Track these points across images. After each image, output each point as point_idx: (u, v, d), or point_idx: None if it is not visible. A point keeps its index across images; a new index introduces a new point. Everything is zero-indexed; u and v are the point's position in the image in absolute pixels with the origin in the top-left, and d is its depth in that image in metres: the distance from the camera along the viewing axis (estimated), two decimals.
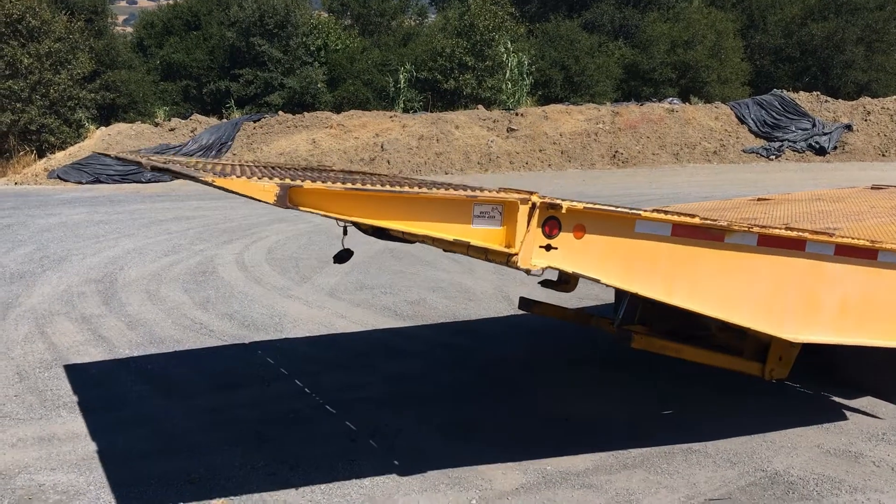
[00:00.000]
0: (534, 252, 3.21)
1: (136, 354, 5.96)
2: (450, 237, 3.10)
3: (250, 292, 8.00)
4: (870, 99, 27.28)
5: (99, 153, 5.45)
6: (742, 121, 26.25)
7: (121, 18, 43.33)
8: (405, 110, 27.78)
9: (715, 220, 3.66)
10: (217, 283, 8.41)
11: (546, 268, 3.29)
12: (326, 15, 35.68)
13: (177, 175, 3.08)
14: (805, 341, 4.00)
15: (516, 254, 3.15)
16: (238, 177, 2.77)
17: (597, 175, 21.82)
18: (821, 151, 25.05)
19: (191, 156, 22.28)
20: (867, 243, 4.06)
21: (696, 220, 3.57)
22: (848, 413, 4.60)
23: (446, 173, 22.44)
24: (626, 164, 23.86)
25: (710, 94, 30.95)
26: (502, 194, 3.18)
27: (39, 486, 3.82)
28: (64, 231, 12.29)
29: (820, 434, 4.30)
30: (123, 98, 28.00)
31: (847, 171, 20.49)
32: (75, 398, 5.03)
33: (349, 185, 2.89)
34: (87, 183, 20.51)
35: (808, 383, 5.01)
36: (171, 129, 23.97)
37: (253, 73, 29.76)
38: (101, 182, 20.63)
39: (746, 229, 3.69)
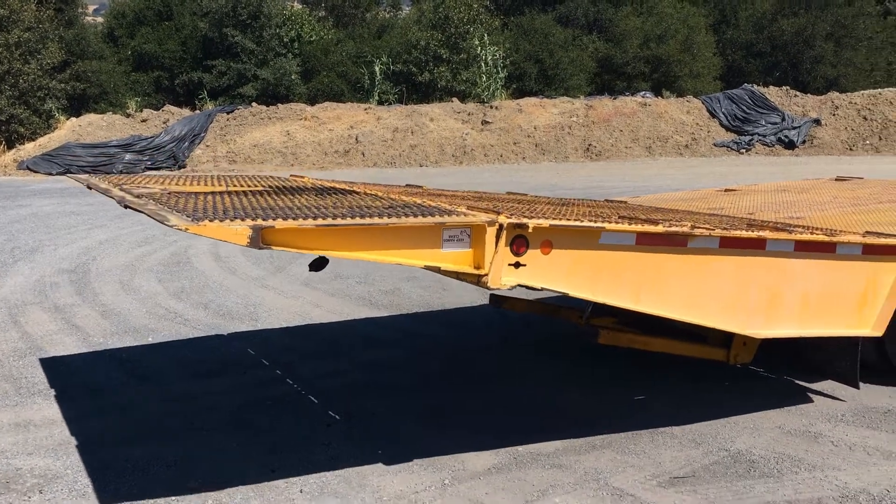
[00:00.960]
0: (503, 271, 3.28)
1: (110, 343, 5.97)
2: (421, 263, 3.17)
3: (225, 282, 8.02)
4: (838, 94, 27.74)
5: (73, 176, 5.27)
6: (713, 115, 26.58)
7: (91, 8, 42.75)
8: (380, 103, 27.77)
9: (677, 228, 3.73)
10: (191, 274, 8.42)
11: (516, 285, 3.35)
12: (300, 6, 35.50)
13: (150, 216, 3.06)
14: (769, 336, 4.14)
15: (486, 274, 3.22)
16: (211, 220, 2.80)
17: (570, 168, 22.00)
18: (790, 145, 25.45)
19: (163, 147, 22.12)
20: (825, 238, 4.18)
21: (660, 228, 3.67)
22: (809, 396, 4.75)
23: (421, 165, 22.50)
24: (600, 157, 24.07)
25: (682, 89, 31.28)
26: (470, 217, 3.23)
27: (17, 469, 3.85)
28: (35, 222, 12.19)
29: (782, 416, 4.44)
30: (94, 88, 27.67)
31: (815, 165, 20.85)
32: (50, 386, 5.04)
33: (320, 222, 2.92)
34: (57, 174, 20.29)
35: (771, 368, 5.16)
36: (143, 121, 23.78)
37: (226, 65, 29.55)
38: (71, 173, 20.41)
39: (708, 233, 3.79)
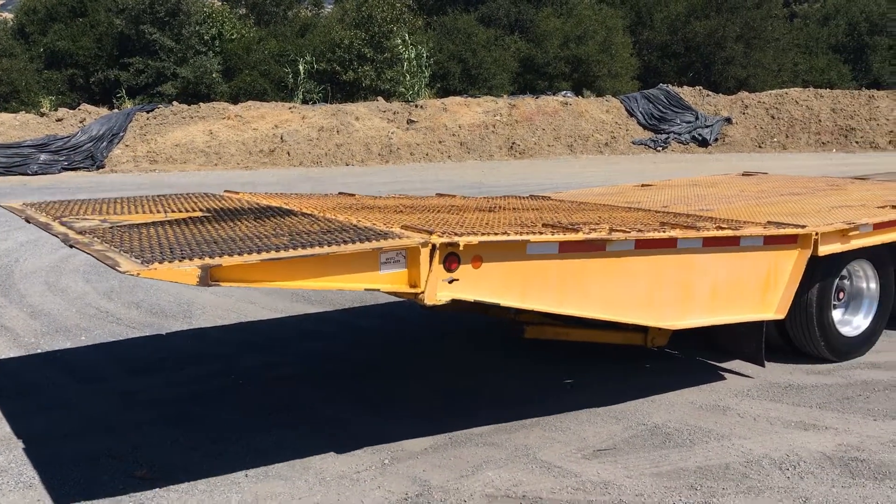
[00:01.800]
0: (438, 287, 3.50)
1: (42, 343, 5.95)
2: (361, 286, 3.36)
3: (156, 282, 7.99)
4: (747, 93, 29.02)
5: (6, 206, 4.96)
6: (631, 114, 27.46)
7: None
8: (304, 102, 27.67)
9: (596, 234, 4.00)
10: (120, 275, 8.35)
11: (451, 300, 3.56)
12: (220, 3, 34.97)
13: (98, 259, 3.12)
14: (683, 328, 4.49)
15: (422, 292, 3.45)
16: (160, 262, 2.93)
17: (495, 166, 22.41)
18: (703, 143, 26.51)
19: (80, 147, 21.54)
20: (730, 233, 4.53)
21: (580, 236, 3.94)
22: (719, 374, 5.14)
23: (347, 165, 22.56)
24: (523, 156, 24.58)
25: (601, 88, 32.13)
26: (405, 239, 3.43)
27: None
28: None
29: (694, 393, 4.81)
30: (4, 87, 26.76)
31: (727, 162, 21.80)
32: None
33: (264, 256, 3.07)
34: None
35: (684, 350, 5.53)
36: (59, 120, 23.09)
37: (144, 62, 28.96)
38: None
39: (624, 237, 4.09)
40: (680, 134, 26.63)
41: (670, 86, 28.98)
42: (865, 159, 22.37)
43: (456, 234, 3.58)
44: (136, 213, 4.45)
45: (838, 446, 4.05)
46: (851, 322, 5.44)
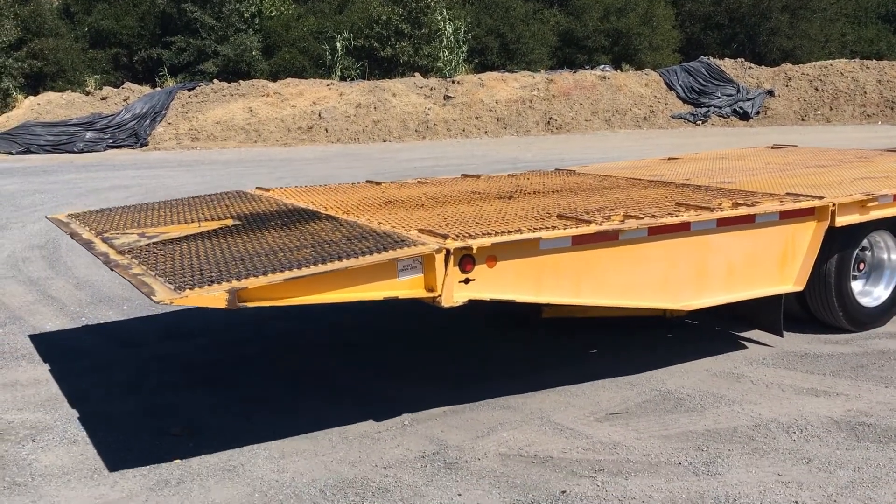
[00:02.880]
0: (454, 289, 3.65)
1: (87, 312, 6.26)
2: (381, 295, 3.52)
3: None
4: (791, 65, 28.44)
5: (52, 219, 5.11)
6: (671, 87, 27.14)
7: None
8: (342, 78, 27.86)
9: (608, 225, 4.08)
10: None
11: (468, 301, 3.71)
12: None
13: (137, 288, 3.36)
14: (701, 307, 4.56)
15: (440, 295, 3.60)
16: (191, 288, 3.14)
17: (531, 141, 22.40)
18: (744, 116, 26.12)
19: (124, 125, 22.05)
20: (744, 212, 4.57)
21: (592, 228, 4.03)
22: (736, 343, 5.22)
23: (384, 141, 22.75)
24: (560, 131, 24.51)
25: (641, 62, 31.77)
26: (421, 247, 3.56)
27: (9, 423, 4.17)
28: None
29: (710, 361, 4.91)
30: (51, 66, 27.35)
31: (768, 136, 21.47)
32: (33, 350, 5.34)
33: (287, 275, 3.25)
34: (17, 153, 20.19)
35: (704, 320, 5.62)
36: (103, 98, 23.64)
37: (185, 41, 29.33)
38: (31, 152, 20.32)
39: (636, 226, 4.17)
40: (720, 107, 26.26)
41: (711, 58, 28.53)
42: None
43: (470, 237, 3.73)
44: (172, 222, 4.66)
45: (847, 412, 4.13)
46: (872, 293, 5.46)
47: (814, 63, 28.64)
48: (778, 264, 4.85)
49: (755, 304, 4.98)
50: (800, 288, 4.93)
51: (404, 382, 4.69)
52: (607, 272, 4.18)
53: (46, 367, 5.03)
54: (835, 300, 5.19)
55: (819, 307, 5.28)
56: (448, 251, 3.59)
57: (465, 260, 3.66)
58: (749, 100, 26.40)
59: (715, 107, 26.26)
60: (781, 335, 5.01)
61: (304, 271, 3.30)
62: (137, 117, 22.55)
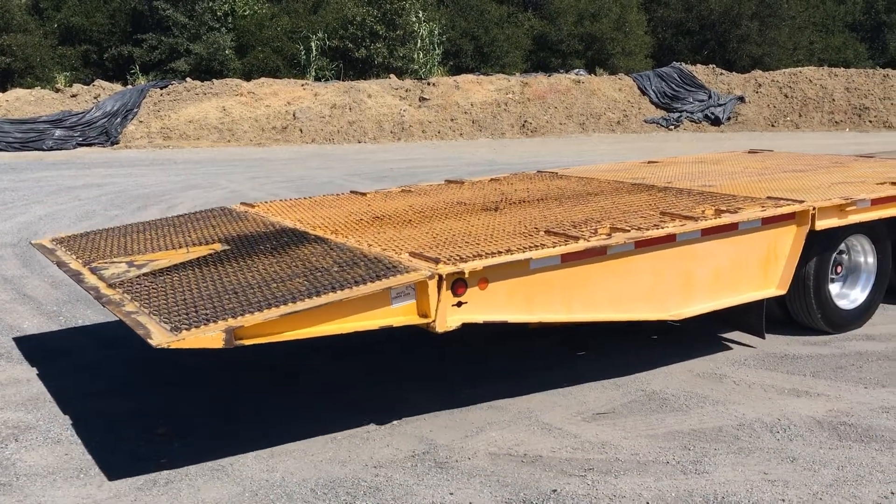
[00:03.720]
0: (447, 312, 3.67)
1: (65, 311, 6.17)
2: (377, 324, 3.54)
3: None
4: (761, 72, 28.85)
5: (36, 245, 4.98)
6: (644, 92, 27.39)
7: None
8: (317, 79, 27.74)
9: (596, 241, 4.13)
10: None
11: (461, 325, 3.73)
12: None
13: (132, 328, 3.35)
14: (688, 316, 4.62)
15: (434, 320, 3.63)
16: (188, 329, 3.12)
17: (506, 144, 22.48)
18: (716, 122, 26.44)
19: (95, 123, 21.75)
20: (728, 220, 4.63)
21: (581, 246, 4.07)
22: (719, 345, 5.29)
23: (359, 142, 22.68)
24: (535, 134, 24.63)
25: (614, 66, 32.03)
26: (413, 274, 3.58)
27: None
28: None
29: (692, 362, 4.97)
30: (20, 63, 26.96)
31: (738, 141, 21.76)
32: (12, 349, 5.25)
33: (283, 311, 3.25)
34: None
35: (685, 322, 5.66)
36: (73, 96, 23.30)
37: (157, 39, 29.05)
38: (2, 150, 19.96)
39: (624, 241, 4.22)
40: (692, 113, 26.56)
41: (683, 64, 28.87)
42: (878, 139, 22.29)
43: (461, 259, 3.76)
44: (160, 247, 4.57)
45: (829, 412, 4.21)
46: (849, 295, 5.57)
47: (783, 70, 29.09)
48: (761, 269, 4.93)
49: (738, 306, 5.05)
50: (783, 291, 5.01)
51: (393, 383, 4.69)
52: (596, 287, 4.23)
53: (26, 366, 4.95)
54: (814, 302, 5.27)
55: (798, 309, 5.36)
56: (440, 277, 3.61)
57: (458, 284, 3.68)
58: (720, 105, 26.73)
59: (687, 112, 26.55)
60: (763, 337, 5.08)
61: (300, 305, 3.30)
62: (108, 115, 22.25)
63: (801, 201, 4.98)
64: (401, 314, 3.60)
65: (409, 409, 4.27)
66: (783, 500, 3.34)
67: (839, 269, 5.53)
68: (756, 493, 3.39)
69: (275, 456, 3.77)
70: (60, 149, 20.61)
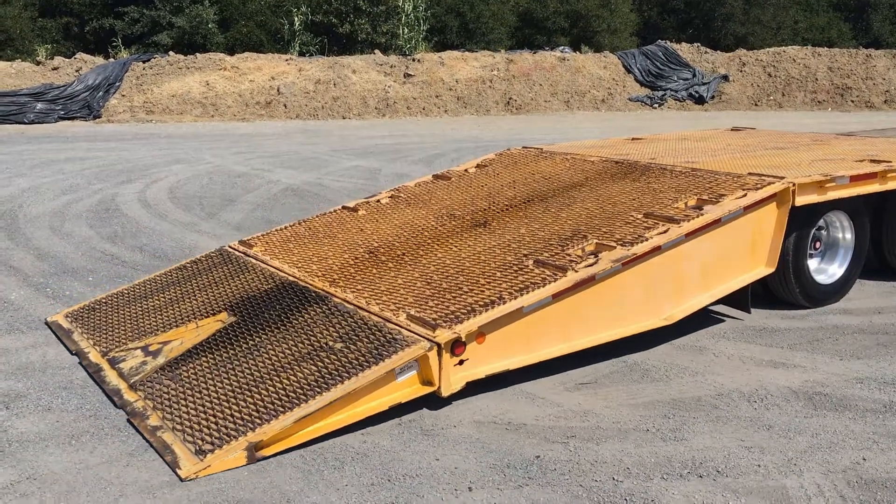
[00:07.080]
0: (451, 374, 3.85)
1: (51, 283, 6.18)
2: (385, 405, 3.74)
3: (157, 227, 8.22)
4: (745, 51, 28.97)
5: (52, 324, 5.11)
6: (629, 70, 27.44)
7: None
8: (301, 54, 27.55)
9: (584, 273, 4.23)
10: (122, 220, 8.58)
11: (465, 385, 3.91)
12: None
13: (158, 454, 3.49)
14: (683, 316, 4.70)
15: (439, 387, 3.83)
16: (212, 451, 3.36)
17: (491, 121, 22.49)
18: (700, 100, 26.57)
19: (76, 97, 21.52)
20: (710, 218, 4.69)
21: (569, 281, 4.17)
22: (697, 318, 5.37)
23: (344, 118, 22.60)
24: (520, 111, 24.64)
25: (600, 44, 32.03)
26: (414, 347, 3.77)
27: None
28: None
29: (673, 334, 5.06)
30: None
31: (722, 119, 21.90)
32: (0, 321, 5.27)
33: (297, 413, 3.49)
34: None
35: None
36: (55, 69, 23.01)
37: (139, 11, 28.68)
38: None
39: (611, 266, 4.30)
40: (677, 91, 26.67)
41: (668, 43, 28.91)
42: (860, 118, 22.50)
43: (456, 320, 3.93)
44: (169, 320, 4.70)
45: (804, 382, 4.32)
46: (827, 270, 5.69)
47: (767, 49, 29.21)
48: (749, 251, 5.02)
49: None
50: (772, 269, 5.11)
51: None
52: (590, 312, 4.33)
53: (14, 336, 4.97)
54: (792, 277, 5.38)
55: (777, 284, 5.47)
56: (439, 346, 3.79)
57: (456, 344, 3.86)
58: (704, 84, 26.85)
59: (671, 90, 26.65)
60: (749, 311, 5.17)
61: (312, 406, 3.56)
62: (90, 88, 22.02)
63: (782, 178, 5.07)
64: (406, 387, 3.82)
65: None
66: (759, 466, 3.45)
67: (818, 244, 5.64)
68: (733, 459, 3.50)
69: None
70: (42, 122, 20.40)
